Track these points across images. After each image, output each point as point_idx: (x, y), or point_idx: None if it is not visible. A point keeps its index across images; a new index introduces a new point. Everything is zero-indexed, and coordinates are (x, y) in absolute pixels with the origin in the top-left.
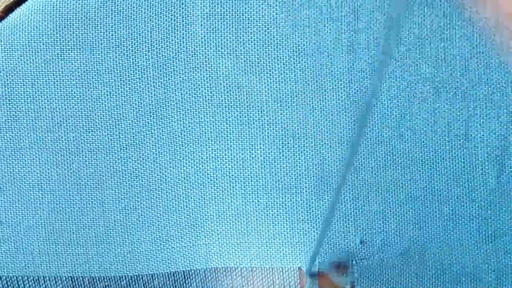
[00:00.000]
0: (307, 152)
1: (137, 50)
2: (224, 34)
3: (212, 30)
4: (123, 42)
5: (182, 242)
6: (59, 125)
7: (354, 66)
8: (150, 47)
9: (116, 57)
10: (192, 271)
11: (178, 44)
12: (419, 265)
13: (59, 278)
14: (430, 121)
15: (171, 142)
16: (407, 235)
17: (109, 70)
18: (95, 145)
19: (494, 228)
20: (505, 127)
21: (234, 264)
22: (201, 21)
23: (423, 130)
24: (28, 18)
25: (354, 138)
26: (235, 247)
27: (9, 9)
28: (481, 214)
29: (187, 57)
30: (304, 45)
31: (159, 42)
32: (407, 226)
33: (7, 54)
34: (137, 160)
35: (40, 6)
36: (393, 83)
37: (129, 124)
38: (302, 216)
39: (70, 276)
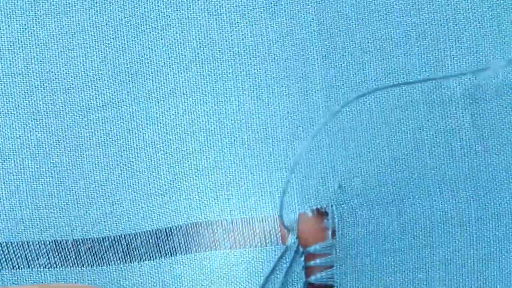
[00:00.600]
0: (281, 101)
1: (110, 10)
2: None
3: None
4: (96, 3)
5: (162, 199)
6: (36, 88)
7: (323, 17)
8: (122, 6)
9: (89, 18)
10: (174, 227)
11: (150, 2)
12: (398, 209)
13: (42, 242)
14: (401, 64)
15: (147, 100)
16: (385, 178)
17: (83, 30)
18: (73, 107)
19: (470, 169)
20: None
21: (215, 217)
22: None
23: (394, 75)
24: None
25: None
26: (215, 200)
27: None
28: (456, 154)
29: (159, 15)
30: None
31: (131, 1)
32: (385, 169)
33: None
34: (115, 119)
35: None
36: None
37: (106, 84)
38: (279, 165)
39: (54, 240)
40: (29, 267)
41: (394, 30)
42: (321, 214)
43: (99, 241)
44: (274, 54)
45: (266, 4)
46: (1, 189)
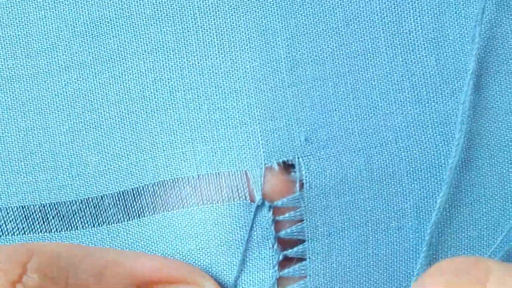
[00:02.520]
0: (244, 54)
1: None
2: None
3: None
4: None
5: (128, 159)
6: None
7: None
8: None
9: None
10: (141, 187)
11: None
12: (366, 158)
13: (10, 208)
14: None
15: (109, 59)
16: (352, 127)
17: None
18: (35, 69)
19: (437, 111)
20: None
21: (181, 175)
22: None
23: (356, 20)
24: None
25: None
26: (181, 157)
27: None
28: (422, 98)
29: None
30: None
31: None
32: (351, 118)
33: None
34: (78, 80)
35: None
36: None
37: (66, 45)
38: (244, 119)
39: (21, 206)
40: None
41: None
42: (287, 167)
43: (66, 205)
44: (237, 4)
45: None
46: None
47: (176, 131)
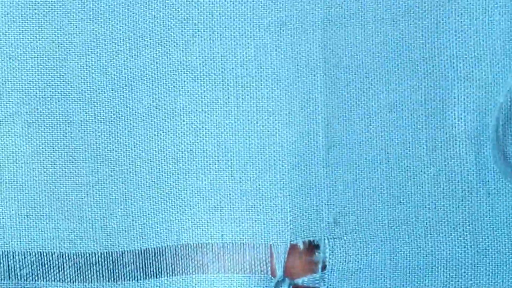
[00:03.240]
0: (283, 128)
1: (114, 23)
2: (200, 8)
3: (189, 4)
4: (100, 14)
5: (154, 218)
6: (34, 96)
7: (328, 43)
8: (126, 19)
9: (92, 29)
10: (163, 247)
11: (154, 17)
12: (392, 248)
13: (28, 253)
14: (405, 98)
15: (146, 116)
16: (382, 216)
17: (85, 42)
18: (70, 117)
19: (470, 212)
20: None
21: (205, 240)
22: None
23: (398, 109)
24: None
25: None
26: (207, 223)
27: None
28: (457, 196)
29: (163, 31)
30: (281, 21)
31: (135, 15)
32: (382, 207)
33: None
34: (112, 133)
35: None
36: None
37: (105, 97)
38: (275, 193)
39: (40, 252)
40: (9, 278)
41: (400, 60)
42: (312, 246)
43: (85, 256)
44: (278, 78)
45: (271, 26)
46: None
47: (206, 197)
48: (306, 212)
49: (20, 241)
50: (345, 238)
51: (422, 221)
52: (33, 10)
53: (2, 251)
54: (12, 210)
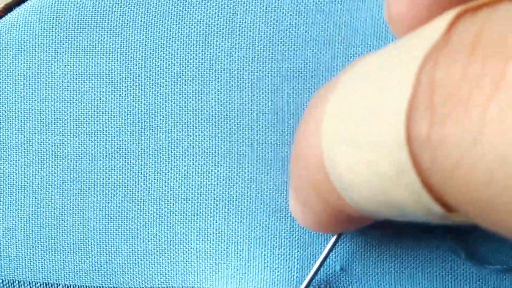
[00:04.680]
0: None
1: (131, 58)
2: (219, 49)
3: (207, 44)
4: (117, 48)
5: (160, 257)
6: (47, 127)
7: None
8: (144, 55)
9: (109, 63)
10: None
11: (172, 55)
12: None
13: (33, 283)
14: None
15: (157, 154)
16: (387, 267)
17: (101, 75)
18: (81, 150)
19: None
20: None
21: (210, 285)
22: (197, 34)
23: None
24: (26, 18)
25: None
26: (213, 267)
27: (8, 9)
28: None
29: (180, 69)
30: (299, 64)
31: (153, 51)
32: (388, 258)
33: (2, 52)
34: (122, 169)
35: (38, 8)
36: None
37: (117, 132)
38: (284, 242)
39: (45, 282)
40: None
41: None
42: None
43: None
44: (293, 126)
45: (288, 72)
46: None
47: (213, 241)
48: (313, 261)
49: (26, 271)
50: (351, 286)
51: (428, 277)
52: (50, 41)
53: (8, 280)
54: (19, 240)
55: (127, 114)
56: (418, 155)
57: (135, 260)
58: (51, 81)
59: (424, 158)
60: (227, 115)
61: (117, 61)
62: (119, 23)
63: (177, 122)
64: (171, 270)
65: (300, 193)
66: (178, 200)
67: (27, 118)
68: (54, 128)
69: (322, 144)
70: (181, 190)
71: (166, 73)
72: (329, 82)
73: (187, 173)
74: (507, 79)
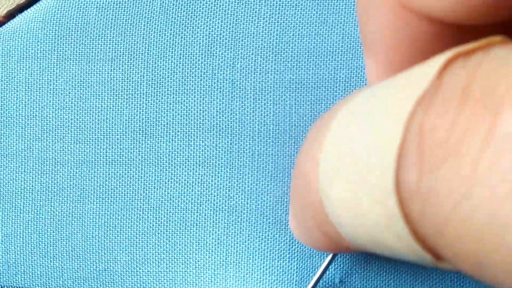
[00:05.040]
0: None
1: (133, 66)
2: (222, 59)
3: (210, 54)
4: (120, 57)
5: (159, 266)
6: (47, 134)
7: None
8: (146, 64)
9: (111, 71)
10: None
11: (174, 64)
12: None
13: None
14: None
15: (158, 163)
16: (387, 280)
17: (103, 83)
18: (81, 158)
19: None
20: None
21: None
22: (199, 44)
23: None
24: (28, 25)
25: None
26: (212, 278)
27: (11, 15)
28: None
29: (182, 78)
30: (301, 75)
31: (155, 60)
32: (388, 270)
33: (4, 59)
34: (122, 177)
35: (41, 14)
36: None
37: (117, 140)
38: (283, 253)
39: None
40: None
41: None
42: None
43: None
44: (294, 137)
45: (290, 84)
46: None
47: (212, 251)
48: (313, 272)
49: (24, 278)
50: None
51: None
52: (52, 48)
53: (7, 286)
54: (18, 246)
55: (128, 122)
56: (407, 205)
57: (134, 269)
58: (53, 88)
59: (414, 208)
60: (228, 125)
61: (119, 69)
62: (121, 32)
63: (178, 131)
64: (169, 279)
65: (299, 216)
66: (178, 210)
67: (28, 125)
68: (55, 135)
69: (319, 179)
70: (181, 199)
71: (168, 82)
72: (329, 111)
73: (187, 182)
74: (496, 134)
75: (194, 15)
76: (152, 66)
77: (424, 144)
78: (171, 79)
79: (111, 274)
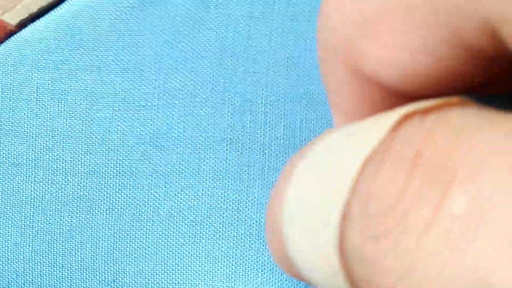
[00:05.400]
0: None
1: (145, 77)
2: (233, 73)
3: (221, 67)
4: (131, 68)
5: (168, 279)
6: (58, 144)
7: None
8: (157, 75)
9: (122, 82)
10: None
11: (185, 76)
12: None
13: None
14: None
15: (168, 175)
16: None
17: (114, 94)
18: (91, 168)
19: None
20: None
21: None
22: (211, 57)
23: None
24: (40, 35)
25: None
26: None
27: (23, 24)
28: None
29: (193, 91)
30: (312, 89)
31: (166, 72)
32: None
33: (16, 68)
34: (132, 188)
35: (53, 24)
36: None
37: (128, 151)
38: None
39: None
40: None
41: None
42: None
43: None
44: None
45: (301, 98)
46: (7, 240)
47: (221, 264)
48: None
49: (33, 287)
50: None
51: None
52: (64, 58)
53: None
54: (26, 256)
55: (139, 134)
56: (351, 267)
57: (142, 280)
58: (64, 98)
59: (359, 272)
60: (238, 138)
61: (131, 80)
62: (133, 44)
63: (188, 143)
64: None
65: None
66: (187, 222)
67: (38, 134)
68: (65, 145)
69: (282, 219)
70: (190, 211)
71: (179, 94)
72: (300, 151)
73: (197, 195)
74: (444, 213)
75: (206, 28)
76: (164, 79)
77: (369, 210)
78: (182, 91)
79: (119, 286)
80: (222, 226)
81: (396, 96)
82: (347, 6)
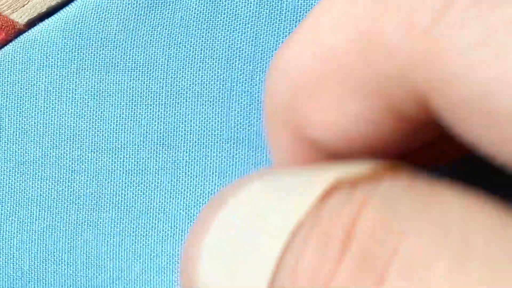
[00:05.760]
0: None
1: (152, 76)
2: (241, 72)
3: (229, 66)
4: (139, 67)
5: (173, 276)
6: (65, 142)
7: None
8: (165, 74)
9: (130, 80)
10: None
11: (193, 75)
12: None
13: None
14: None
15: (174, 172)
16: None
17: (122, 92)
18: (98, 166)
19: None
20: None
21: None
22: (219, 56)
23: None
24: (49, 34)
25: None
26: None
27: (32, 24)
28: None
29: (201, 89)
30: None
31: (175, 70)
32: None
33: (24, 66)
34: (138, 186)
35: (62, 24)
36: None
37: (135, 149)
38: None
39: None
40: None
41: None
42: None
43: None
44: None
45: None
46: (14, 237)
47: None
48: None
49: (38, 285)
50: None
51: None
52: (72, 56)
53: None
54: (32, 253)
55: (146, 132)
56: None
57: (148, 277)
58: (72, 97)
59: None
60: (246, 137)
61: (138, 79)
62: (141, 42)
63: (195, 141)
64: None
65: None
66: (194, 219)
67: (45, 132)
68: (73, 143)
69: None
70: (197, 209)
71: (187, 92)
72: (221, 193)
73: (204, 192)
74: None
75: (214, 28)
76: (171, 78)
77: (296, 285)
78: (190, 90)
79: (125, 283)
80: None
81: (335, 156)
82: (291, 65)
